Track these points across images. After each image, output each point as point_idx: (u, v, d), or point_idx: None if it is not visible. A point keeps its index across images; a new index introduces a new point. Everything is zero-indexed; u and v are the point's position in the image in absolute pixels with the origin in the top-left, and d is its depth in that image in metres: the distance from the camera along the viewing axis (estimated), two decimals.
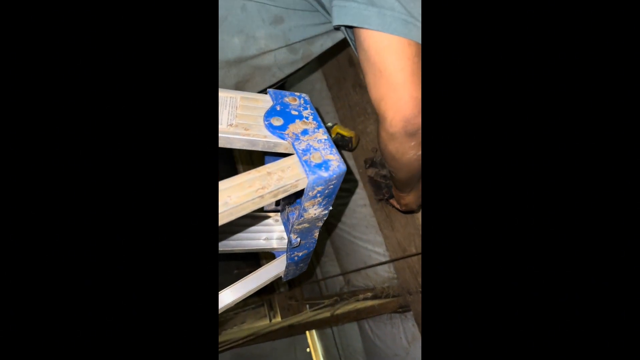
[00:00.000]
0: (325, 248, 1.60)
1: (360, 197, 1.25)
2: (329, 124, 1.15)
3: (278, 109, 0.40)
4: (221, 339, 1.31)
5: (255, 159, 1.87)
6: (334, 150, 0.38)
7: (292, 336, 1.58)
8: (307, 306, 1.78)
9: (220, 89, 0.41)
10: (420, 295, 0.97)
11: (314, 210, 0.42)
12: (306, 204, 0.39)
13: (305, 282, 1.75)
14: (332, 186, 0.38)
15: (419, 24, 0.40)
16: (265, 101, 0.42)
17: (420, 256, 0.96)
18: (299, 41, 0.56)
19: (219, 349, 1.19)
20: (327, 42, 0.60)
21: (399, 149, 0.48)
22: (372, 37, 0.41)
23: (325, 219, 0.46)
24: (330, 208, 0.43)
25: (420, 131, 0.44)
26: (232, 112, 0.39)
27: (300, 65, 0.63)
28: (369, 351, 1.34)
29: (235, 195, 0.32)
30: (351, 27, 0.45)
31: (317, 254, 1.67)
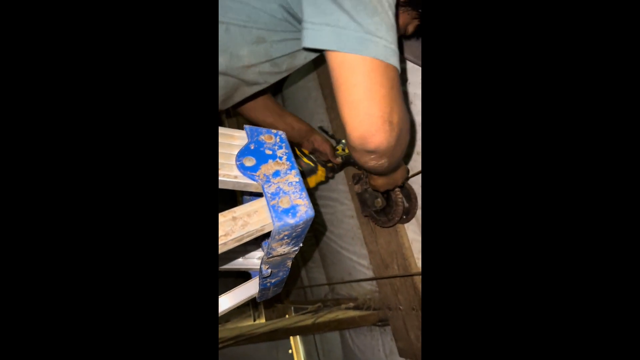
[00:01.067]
0: (313, 254, 1.61)
1: (349, 209, 1.25)
2: (342, 142, 1.00)
3: (252, 147, 0.41)
4: None
5: None
6: (304, 194, 0.39)
7: (275, 340, 1.60)
8: (292, 309, 1.80)
9: None
10: (399, 312, 0.99)
11: (282, 249, 0.42)
12: (273, 245, 0.40)
13: (290, 287, 1.76)
14: (299, 229, 0.39)
15: (378, 39, 0.41)
16: (241, 138, 0.42)
17: (399, 277, 0.97)
18: (281, 56, 0.58)
19: None
20: (310, 55, 0.61)
21: (359, 159, 0.51)
22: (330, 56, 0.44)
23: (297, 252, 0.46)
24: (301, 245, 0.44)
25: (381, 148, 0.45)
26: None
27: (285, 75, 0.65)
28: (349, 359, 1.35)
29: None
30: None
31: (304, 259, 1.68)
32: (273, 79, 0.65)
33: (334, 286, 1.44)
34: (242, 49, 0.54)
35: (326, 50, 0.44)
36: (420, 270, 0.91)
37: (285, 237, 0.39)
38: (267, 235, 0.53)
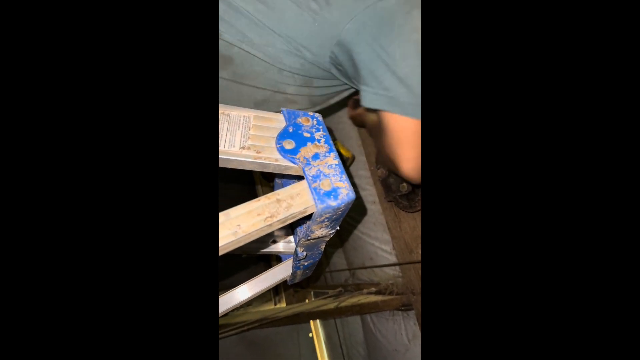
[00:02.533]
0: (332, 239, 1.62)
1: (370, 194, 1.25)
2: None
3: (290, 130, 0.41)
4: (229, 321, 1.36)
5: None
6: (344, 176, 0.39)
7: (297, 324, 1.63)
8: (312, 293, 1.83)
9: (234, 107, 0.41)
10: None
11: (321, 232, 0.42)
12: (314, 227, 0.40)
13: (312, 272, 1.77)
14: (340, 212, 0.39)
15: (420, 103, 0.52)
16: (278, 121, 0.42)
17: None
18: (321, 95, 0.66)
19: (227, 332, 1.24)
20: (344, 94, 0.70)
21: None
22: (392, 117, 0.55)
23: (332, 235, 0.46)
24: (338, 228, 0.44)
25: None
26: (245, 133, 0.39)
27: (319, 109, 0.73)
28: (370, 343, 1.37)
29: (244, 224, 0.33)
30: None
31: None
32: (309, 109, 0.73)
33: (355, 271, 1.45)
34: (289, 87, 0.62)
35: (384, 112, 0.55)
36: None
37: (326, 220, 0.39)
38: (302, 219, 0.53)
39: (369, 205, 1.27)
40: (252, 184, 1.83)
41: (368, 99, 0.54)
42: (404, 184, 0.89)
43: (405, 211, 0.97)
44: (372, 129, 0.83)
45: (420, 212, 0.96)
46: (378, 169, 1.03)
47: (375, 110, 0.78)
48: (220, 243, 0.31)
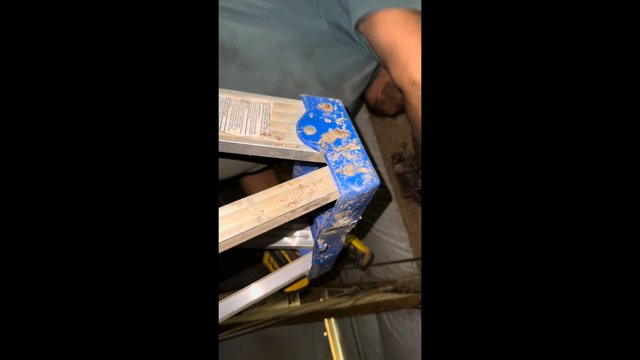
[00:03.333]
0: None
1: (385, 191, 1.23)
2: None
3: (311, 116, 0.40)
4: (244, 319, 1.36)
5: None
6: (368, 162, 0.37)
7: (312, 322, 1.62)
8: (326, 292, 1.81)
9: (253, 95, 0.40)
10: None
11: (344, 221, 0.41)
12: (336, 215, 0.39)
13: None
14: (364, 199, 0.38)
15: None
16: (298, 107, 0.41)
17: None
18: (330, 75, 0.64)
19: (241, 331, 1.24)
20: (356, 80, 0.68)
21: (417, 99, 0.55)
22: (379, 19, 0.54)
23: (354, 226, 0.45)
24: (360, 217, 0.43)
25: None
26: (266, 120, 0.38)
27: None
28: (386, 342, 1.35)
29: (267, 210, 0.32)
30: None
31: None
32: None
33: (370, 269, 1.43)
34: (294, 63, 0.60)
35: (373, 17, 0.54)
36: None
37: (349, 208, 0.38)
38: (322, 209, 0.52)
39: (383, 202, 1.26)
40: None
41: (358, 8, 0.55)
42: (421, 180, 0.87)
43: None
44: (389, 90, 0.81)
45: None
46: (396, 163, 1.01)
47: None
48: (244, 229, 0.30)
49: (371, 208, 1.34)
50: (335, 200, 0.36)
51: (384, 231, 1.29)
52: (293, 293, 1.02)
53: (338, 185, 0.35)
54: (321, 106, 0.41)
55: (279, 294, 1.94)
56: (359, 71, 0.67)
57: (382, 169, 1.21)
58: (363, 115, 1.29)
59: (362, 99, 0.82)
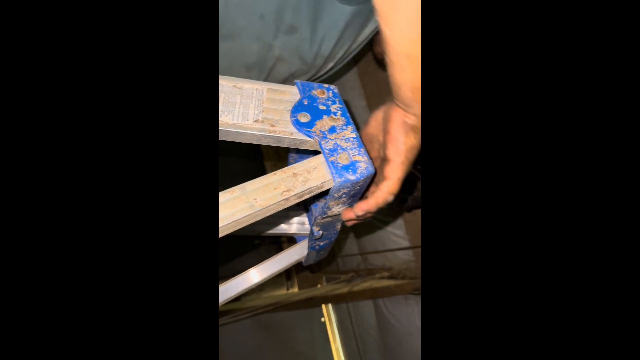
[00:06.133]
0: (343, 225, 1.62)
1: None
2: None
3: (305, 103, 0.39)
4: (242, 305, 1.38)
5: (283, 155, 1.86)
6: (362, 150, 0.37)
7: (310, 308, 1.64)
8: (324, 278, 1.83)
9: (246, 80, 0.40)
10: None
11: (338, 209, 0.41)
12: (331, 203, 0.39)
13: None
14: (358, 187, 0.37)
15: None
16: (292, 94, 0.40)
17: None
18: (311, 54, 0.59)
19: (240, 316, 1.25)
20: (334, 59, 0.62)
21: (413, 73, 0.37)
22: None
23: None
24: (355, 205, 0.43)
25: None
26: (258, 106, 0.38)
27: (313, 73, 0.65)
28: (383, 327, 1.37)
29: (261, 198, 0.32)
30: None
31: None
32: (304, 78, 0.65)
33: (367, 256, 1.44)
34: (275, 38, 0.55)
35: None
36: None
37: (344, 195, 0.38)
38: (318, 197, 0.52)
39: None
40: (259, 159, 1.81)
41: None
42: (419, 167, 0.87)
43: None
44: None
45: None
46: None
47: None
48: (237, 216, 0.30)
49: None
50: (330, 189, 0.36)
51: (380, 218, 1.29)
52: None
53: (332, 173, 0.35)
54: (316, 92, 0.40)
55: (277, 280, 1.96)
56: (345, 42, 0.60)
57: None
58: (361, 102, 1.28)
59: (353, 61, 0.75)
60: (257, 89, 0.39)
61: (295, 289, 1.84)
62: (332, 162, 0.35)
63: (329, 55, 0.60)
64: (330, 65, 0.64)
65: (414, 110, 0.36)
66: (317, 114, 0.38)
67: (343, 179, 0.35)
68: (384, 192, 0.39)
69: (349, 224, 0.48)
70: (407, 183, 0.91)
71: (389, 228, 1.26)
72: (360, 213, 0.41)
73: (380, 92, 1.14)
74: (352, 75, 1.27)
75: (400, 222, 1.18)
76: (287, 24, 0.55)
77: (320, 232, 0.48)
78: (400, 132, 0.37)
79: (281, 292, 1.80)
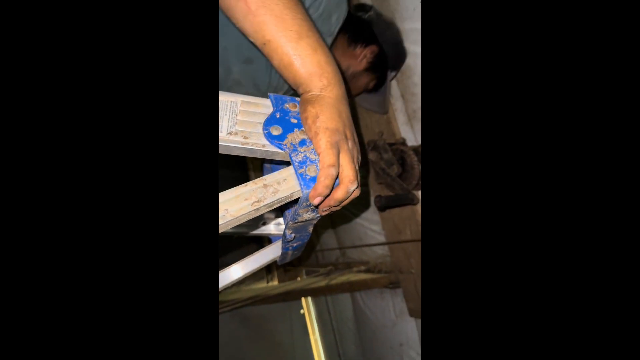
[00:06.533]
0: (323, 219, 1.65)
1: (362, 176, 1.26)
2: None
3: (278, 116, 0.41)
4: (223, 298, 1.39)
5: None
6: None
7: (289, 301, 1.67)
8: (304, 271, 1.87)
9: (221, 92, 0.41)
10: (411, 275, 1.02)
11: (307, 215, 0.44)
12: (300, 211, 0.41)
13: (303, 251, 1.81)
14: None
15: None
16: (266, 106, 0.42)
17: (413, 241, 0.99)
18: (265, 85, 0.65)
19: (221, 309, 1.27)
20: (288, 89, 0.66)
21: None
22: None
23: (320, 219, 0.48)
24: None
25: None
26: (232, 118, 0.40)
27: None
28: (359, 320, 1.42)
29: (232, 208, 0.34)
30: None
31: (315, 225, 1.71)
32: None
33: (345, 250, 1.48)
34: (235, 65, 0.62)
35: None
36: None
37: (312, 205, 0.40)
38: (290, 203, 0.54)
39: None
40: (244, 169, 1.83)
41: None
42: (394, 166, 0.91)
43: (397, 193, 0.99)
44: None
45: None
46: (370, 150, 1.04)
47: None
48: None
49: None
50: (299, 198, 0.39)
51: (357, 214, 1.33)
52: None
53: (301, 184, 0.37)
54: (288, 106, 0.42)
55: (258, 273, 1.98)
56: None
57: None
58: None
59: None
60: (231, 102, 0.41)
61: (275, 282, 1.87)
62: (301, 174, 0.38)
63: (277, 84, 0.67)
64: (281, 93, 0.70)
65: (303, 88, 0.41)
66: (288, 127, 0.40)
67: (310, 190, 0.37)
68: (322, 184, 0.36)
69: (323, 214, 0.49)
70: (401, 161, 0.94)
71: (366, 224, 1.30)
72: (324, 213, 0.44)
73: None
74: None
75: (376, 218, 1.22)
76: (245, 56, 0.61)
77: (293, 234, 0.50)
78: (304, 115, 0.40)
79: (261, 285, 1.83)
